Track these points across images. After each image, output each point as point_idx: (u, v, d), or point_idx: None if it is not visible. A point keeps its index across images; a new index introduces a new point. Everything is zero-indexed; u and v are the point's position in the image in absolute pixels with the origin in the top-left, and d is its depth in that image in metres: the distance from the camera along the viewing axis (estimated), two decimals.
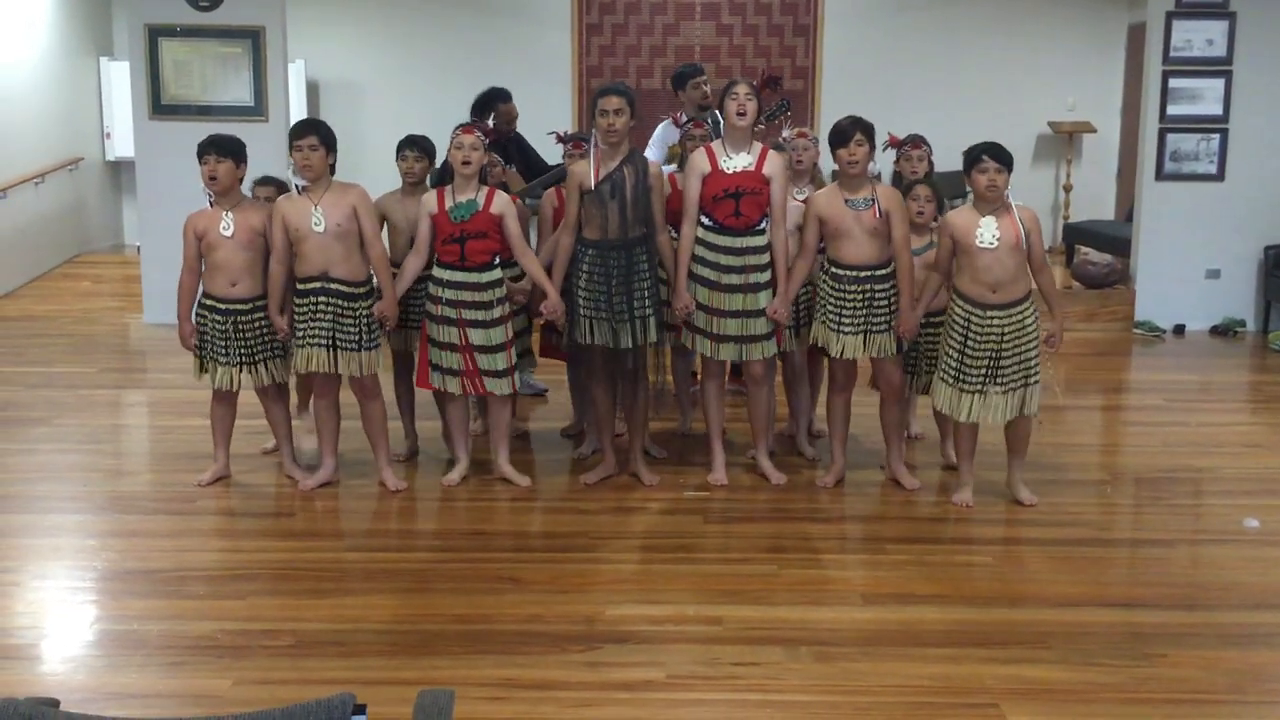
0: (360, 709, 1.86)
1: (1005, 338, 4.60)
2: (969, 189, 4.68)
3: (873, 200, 4.74)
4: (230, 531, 4.71)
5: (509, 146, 6.45)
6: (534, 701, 3.31)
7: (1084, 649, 3.61)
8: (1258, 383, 7.52)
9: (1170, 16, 8.46)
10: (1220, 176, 8.62)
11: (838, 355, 4.88)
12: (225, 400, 5.02)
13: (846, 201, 4.76)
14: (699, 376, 5.68)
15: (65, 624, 3.82)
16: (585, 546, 4.44)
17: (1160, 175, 8.65)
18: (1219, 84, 8.53)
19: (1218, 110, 8.56)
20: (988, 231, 4.57)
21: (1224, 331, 8.60)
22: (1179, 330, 8.66)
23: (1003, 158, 4.56)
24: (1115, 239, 9.19)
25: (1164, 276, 8.67)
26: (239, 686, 3.37)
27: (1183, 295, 8.66)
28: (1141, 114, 8.80)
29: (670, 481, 5.12)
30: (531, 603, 3.93)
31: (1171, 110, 8.56)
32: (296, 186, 4.79)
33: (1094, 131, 10.48)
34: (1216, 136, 8.58)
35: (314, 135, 4.72)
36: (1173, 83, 8.54)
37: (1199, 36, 8.49)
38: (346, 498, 4.97)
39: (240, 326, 4.85)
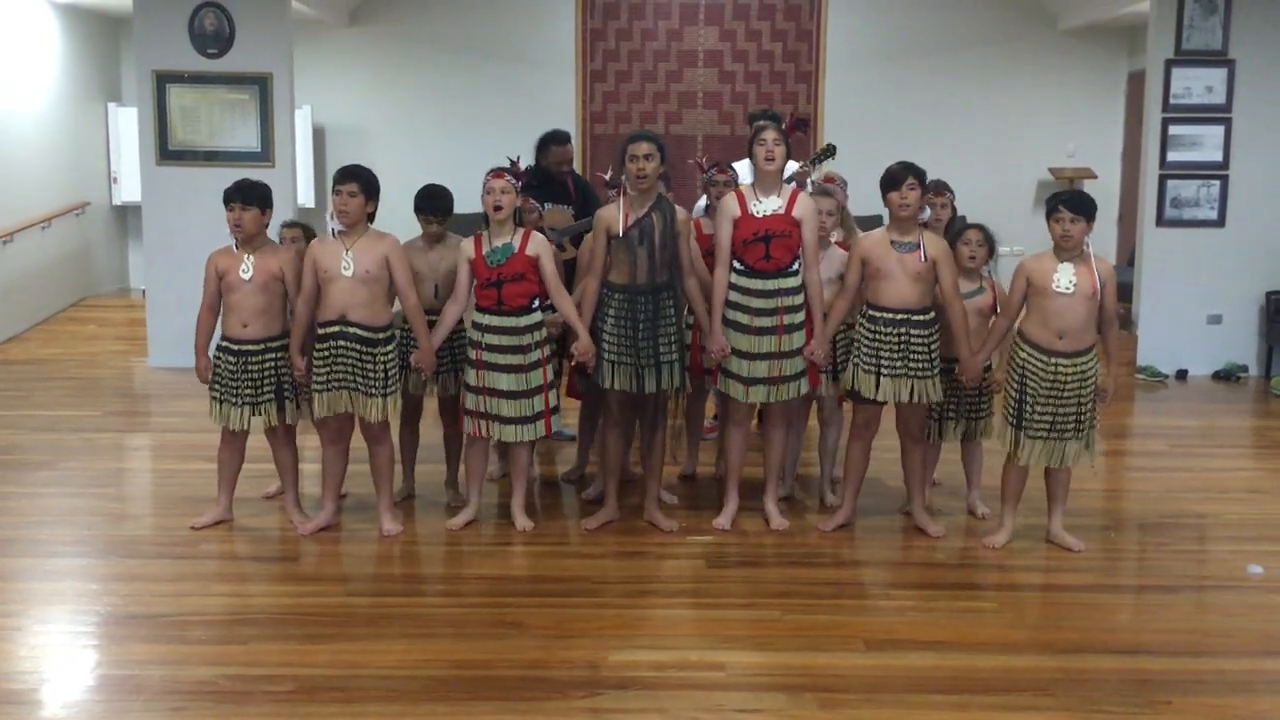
0: None
1: (1066, 385, 4.62)
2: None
3: (919, 245, 4.77)
4: (232, 576, 4.70)
5: (569, 185, 6.29)
6: None
7: (1088, 696, 3.60)
8: (1260, 428, 7.52)
9: (1169, 64, 8.55)
10: (1221, 222, 8.67)
11: (874, 398, 4.86)
12: (233, 444, 5.04)
13: (893, 243, 4.79)
14: (717, 420, 5.68)
15: (67, 668, 3.81)
16: (588, 591, 4.44)
17: (1161, 221, 8.70)
18: (1219, 131, 8.61)
19: (1217, 157, 8.62)
20: (1064, 277, 4.61)
21: (1226, 376, 8.61)
22: (1181, 375, 8.67)
23: (1080, 208, 4.60)
24: (1117, 285, 9.20)
25: (1166, 322, 8.70)
26: None
27: (1185, 340, 8.69)
28: (1142, 160, 8.87)
29: (678, 525, 5.11)
30: (534, 648, 3.91)
31: (1171, 157, 8.63)
32: (334, 231, 4.84)
33: (1095, 178, 10.53)
34: (1217, 183, 8.64)
35: (355, 182, 4.80)
36: (1172, 129, 8.62)
37: (1198, 84, 8.57)
38: (348, 542, 4.96)
39: (249, 367, 4.88)
